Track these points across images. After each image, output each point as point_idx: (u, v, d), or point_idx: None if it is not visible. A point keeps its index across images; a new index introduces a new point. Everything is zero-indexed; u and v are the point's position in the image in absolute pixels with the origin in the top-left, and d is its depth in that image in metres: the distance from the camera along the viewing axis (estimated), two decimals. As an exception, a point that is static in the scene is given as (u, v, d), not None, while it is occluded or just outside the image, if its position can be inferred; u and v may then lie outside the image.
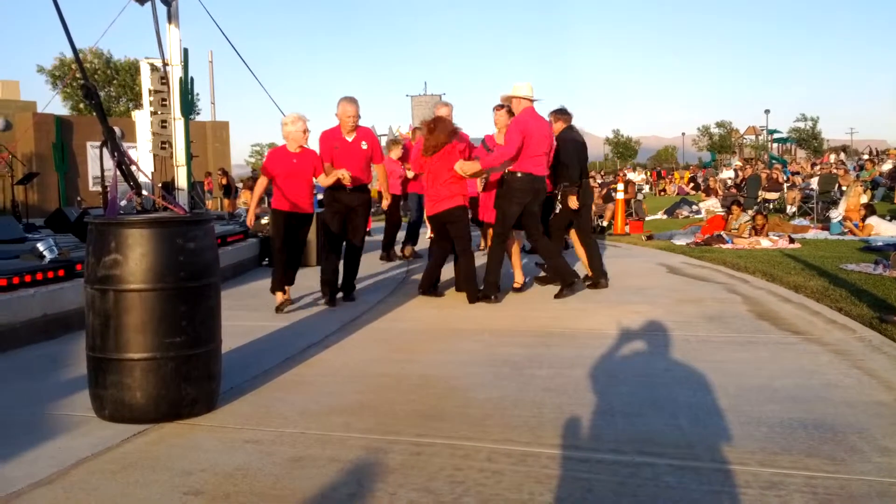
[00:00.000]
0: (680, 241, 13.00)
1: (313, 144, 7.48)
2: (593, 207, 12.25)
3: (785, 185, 21.82)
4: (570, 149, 7.80)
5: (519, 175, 7.24)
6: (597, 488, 3.03)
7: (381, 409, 4.11)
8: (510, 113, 7.67)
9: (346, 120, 7.26)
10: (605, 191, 19.49)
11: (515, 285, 7.87)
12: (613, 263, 10.15)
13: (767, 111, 56.84)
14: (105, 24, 12.37)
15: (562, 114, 8.13)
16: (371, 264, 10.63)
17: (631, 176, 37.28)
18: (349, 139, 7.30)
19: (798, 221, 16.83)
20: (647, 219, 18.47)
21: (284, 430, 3.80)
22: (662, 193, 36.38)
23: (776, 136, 50.69)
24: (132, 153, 12.44)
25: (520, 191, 7.30)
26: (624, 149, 69.39)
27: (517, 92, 7.36)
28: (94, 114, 4.63)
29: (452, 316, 6.77)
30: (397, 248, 11.35)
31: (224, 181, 22.75)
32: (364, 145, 7.36)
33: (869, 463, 3.23)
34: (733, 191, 23.08)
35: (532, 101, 7.34)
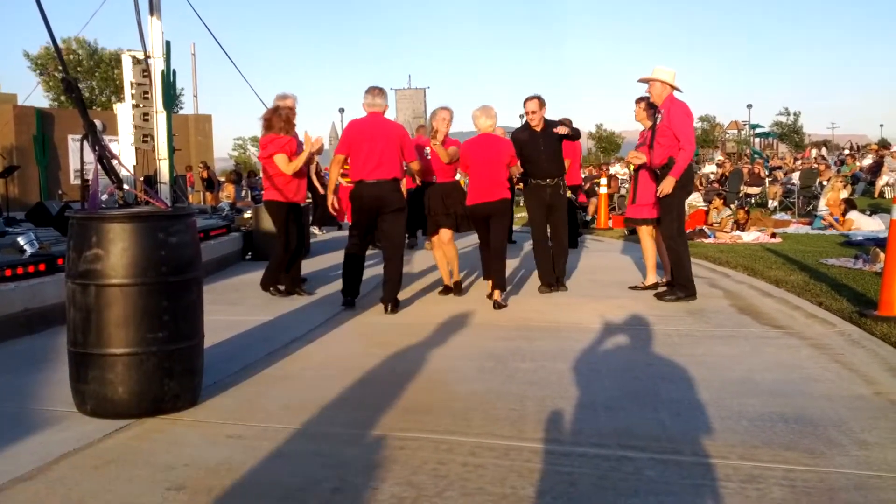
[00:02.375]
0: (662, 236, 13.03)
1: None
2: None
3: (766, 180, 21.96)
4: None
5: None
6: (579, 482, 3.05)
7: (365, 404, 4.12)
8: (650, 106, 7.43)
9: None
10: (588, 185, 19.56)
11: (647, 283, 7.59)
12: (596, 258, 10.20)
13: (750, 106, 57.12)
14: (87, 15, 12.29)
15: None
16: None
17: (614, 170, 37.33)
18: None
19: (779, 216, 16.94)
20: (630, 213, 18.49)
21: (268, 425, 3.80)
22: (645, 188, 36.38)
23: (758, 130, 50.97)
24: (114, 146, 12.33)
25: (690, 181, 7.10)
26: (607, 143, 69.50)
27: (663, 77, 6.92)
28: (76, 107, 4.59)
29: (436, 310, 6.77)
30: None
31: (205, 175, 22.65)
32: None
33: (847, 456, 3.27)
34: (715, 185, 23.18)
35: (674, 88, 6.94)
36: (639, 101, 7.62)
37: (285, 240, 7.45)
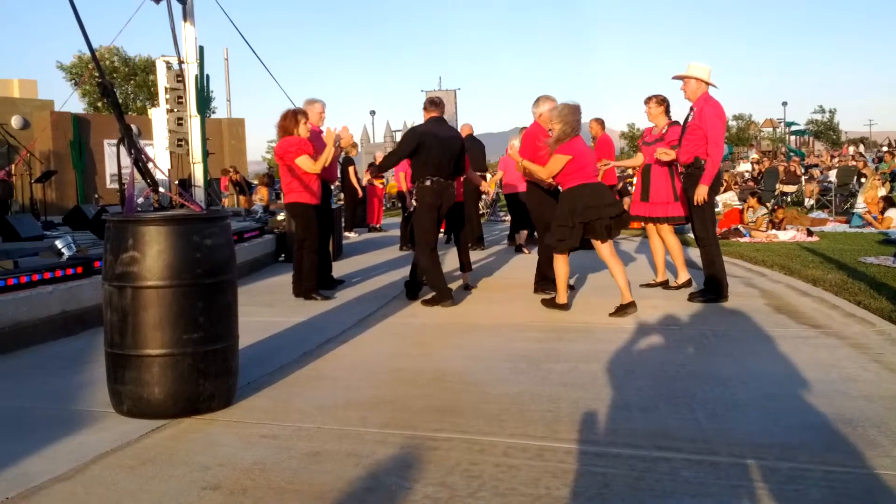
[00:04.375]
0: (696, 235, 12.91)
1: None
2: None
3: (803, 178, 21.66)
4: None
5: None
6: (613, 483, 3.03)
7: (398, 404, 4.12)
8: (660, 104, 7.42)
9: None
10: (621, 185, 19.44)
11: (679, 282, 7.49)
12: (628, 258, 10.13)
13: (785, 103, 56.39)
14: (121, 22, 12.48)
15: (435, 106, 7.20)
16: (388, 258, 10.65)
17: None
18: None
19: (816, 214, 16.71)
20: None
21: (301, 425, 3.82)
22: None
23: (794, 128, 50.33)
24: (149, 150, 12.49)
25: (717, 181, 6.89)
26: (640, 142, 69.12)
27: (698, 73, 6.73)
28: (112, 111, 4.66)
29: (468, 311, 6.77)
30: None
31: (236, 178, 22.86)
32: None
33: (888, 457, 3.21)
34: (751, 184, 22.92)
35: (709, 84, 6.76)
36: (648, 100, 7.57)
37: (316, 242, 7.44)
